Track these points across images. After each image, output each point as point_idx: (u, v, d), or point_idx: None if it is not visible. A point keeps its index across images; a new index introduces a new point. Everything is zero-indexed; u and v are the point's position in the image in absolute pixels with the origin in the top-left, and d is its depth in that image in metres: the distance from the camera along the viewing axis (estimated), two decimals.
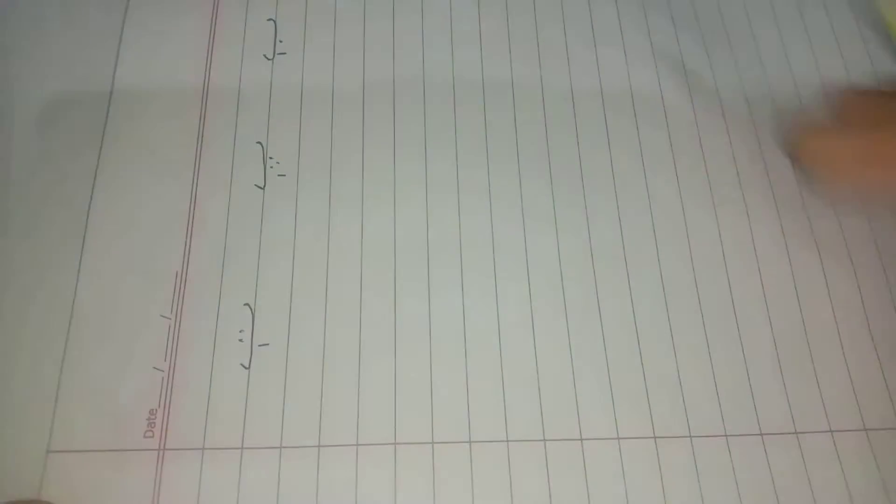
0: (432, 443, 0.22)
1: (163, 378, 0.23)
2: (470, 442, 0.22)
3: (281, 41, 0.28)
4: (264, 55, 0.27)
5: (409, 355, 0.23)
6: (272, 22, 0.28)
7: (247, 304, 0.24)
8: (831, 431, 0.23)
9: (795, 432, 0.23)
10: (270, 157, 0.26)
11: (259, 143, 0.26)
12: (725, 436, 0.23)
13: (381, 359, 0.23)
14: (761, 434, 0.23)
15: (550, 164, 0.26)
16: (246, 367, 0.23)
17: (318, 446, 0.22)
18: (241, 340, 0.23)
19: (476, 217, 0.25)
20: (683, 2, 0.30)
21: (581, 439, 0.22)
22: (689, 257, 0.25)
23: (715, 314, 0.24)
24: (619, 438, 0.23)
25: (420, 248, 0.25)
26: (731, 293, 0.25)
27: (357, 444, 0.22)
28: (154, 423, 0.22)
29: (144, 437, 0.22)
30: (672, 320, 0.24)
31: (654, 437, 0.23)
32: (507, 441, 0.22)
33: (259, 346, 0.23)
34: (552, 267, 0.25)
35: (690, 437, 0.23)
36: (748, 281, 0.25)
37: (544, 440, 0.22)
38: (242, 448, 0.22)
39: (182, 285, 0.24)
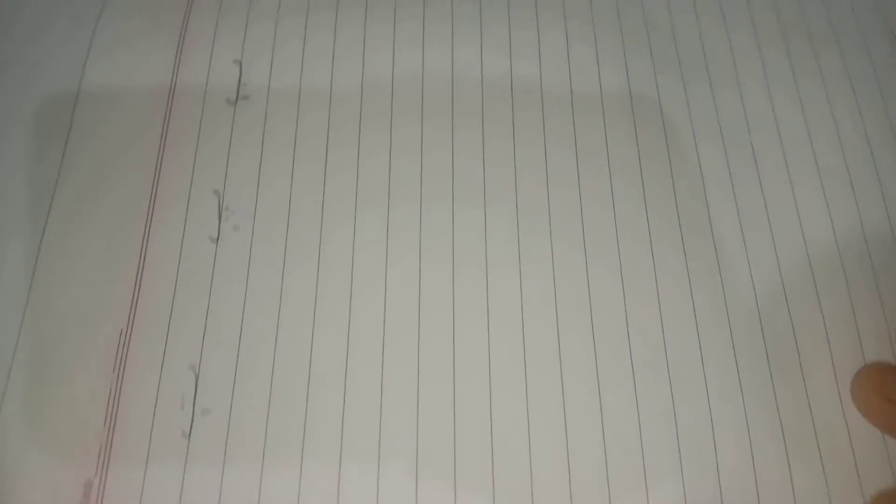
0: None
1: (100, 445, 0.21)
2: None
3: (245, 84, 0.26)
4: (227, 99, 0.26)
5: (357, 437, 0.22)
6: (237, 64, 0.27)
7: (191, 367, 0.22)
8: None
9: None
10: (226, 209, 0.24)
11: (216, 192, 0.25)
12: None
13: (326, 438, 0.22)
14: None
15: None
16: (186, 437, 0.22)
17: None
18: (182, 407, 0.22)
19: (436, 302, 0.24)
20: (664, 41, 0.28)
21: None
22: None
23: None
24: None
25: (377, 320, 0.23)
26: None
27: None
28: (90, 494, 0.21)
29: None
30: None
31: None
32: None
33: (202, 411, 0.22)
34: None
35: None
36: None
37: None
38: None
39: (125, 345, 0.22)
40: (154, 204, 0.24)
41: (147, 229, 0.24)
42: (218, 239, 0.24)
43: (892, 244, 0.25)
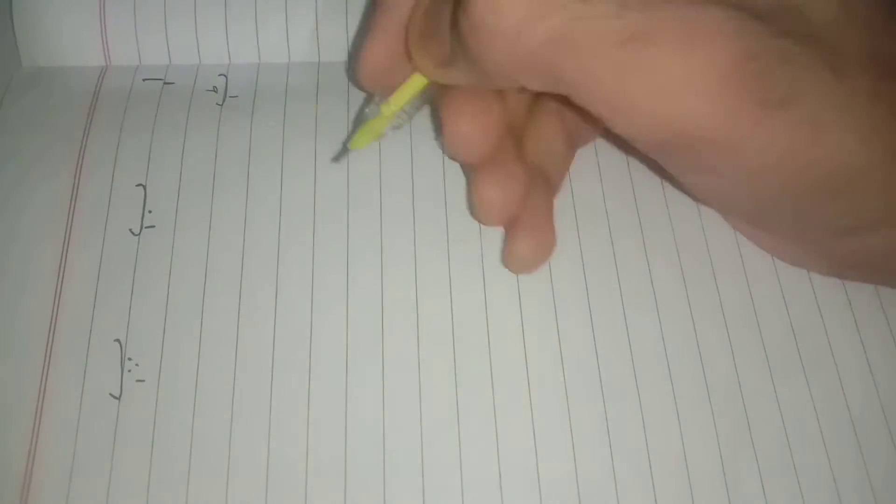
0: None
1: None
2: None
3: (150, 212, 0.25)
4: (130, 230, 0.24)
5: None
6: (141, 188, 0.25)
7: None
8: None
9: None
10: (129, 359, 0.23)
11: (117, 340, 0.23)
12: None
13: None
14: None
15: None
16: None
17: None
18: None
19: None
20: None
21: None
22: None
23: None
24: None
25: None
26: None
27: None
28: None
29: None
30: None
31: None
32: None
33: None
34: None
35: None
36: None
37: None
38: None
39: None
40: (51, 351, 0.23)
41: (44, 378, 0.22)
42: (120, 396, 0.22)
43: None
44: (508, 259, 0.24)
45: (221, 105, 0.27)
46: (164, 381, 0.22)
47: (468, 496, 0.21)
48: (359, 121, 0.25)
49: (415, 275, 0.24)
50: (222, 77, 0.28)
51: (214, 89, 0.27)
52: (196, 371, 0.22)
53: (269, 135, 0.26)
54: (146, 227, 0.24)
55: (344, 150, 0.25)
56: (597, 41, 0.18)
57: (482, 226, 0.25)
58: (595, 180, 0.26)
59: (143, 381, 0.22)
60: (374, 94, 0.24)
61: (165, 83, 0.27)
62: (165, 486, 0.21)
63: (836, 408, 0.23)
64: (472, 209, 0.24)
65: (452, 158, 0.25)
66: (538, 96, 0.24)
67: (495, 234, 0.25)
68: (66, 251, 0.24)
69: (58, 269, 0.24)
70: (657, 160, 0.22)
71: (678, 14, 0.18)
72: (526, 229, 0.23)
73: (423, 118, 0.26)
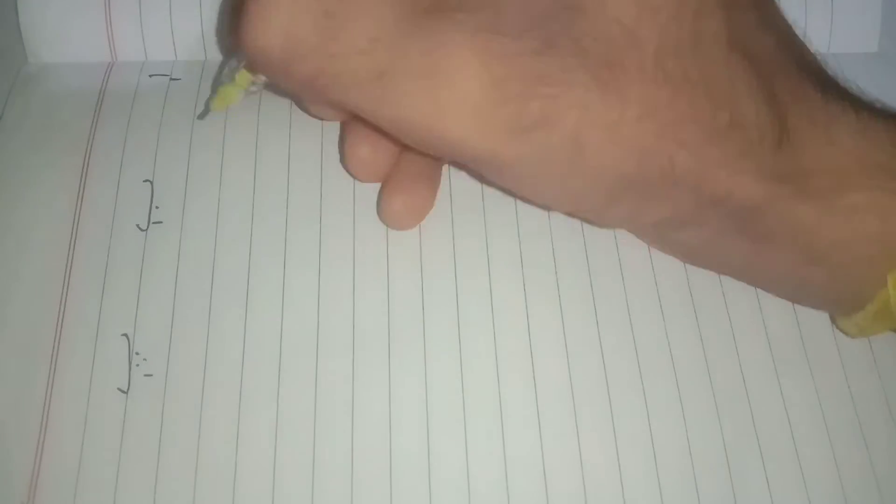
0: None
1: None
2: None
3: (157, 207, 0.25)
4: (137, 226, 0.24)
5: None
6: (149, 183, 0.25)
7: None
8: None
9: None
10: (137, 353, 0.23)
11: (125, 335, 0.23)
12: None
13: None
14: None
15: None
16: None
17: None
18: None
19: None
20: None
21: None
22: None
23: None
24: None
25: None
26: None
27: None
28: None
29: None
30: None
31: None
32: None
33: None
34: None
35: None
36: None
37: None
38: None
39: None
40: (58, 347, 0.23)
41: (51, 376, 0.22)
42: (128, 390, 0.22)
43: None
44: (381, 213, 0.24)
45: None
46: (172, 376, 0.22)
47: (474, 498, 0.21)
48: (215, 85, 0.25)
49: (421, 272, 0.24)
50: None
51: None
52: (203, 366, 0.22)
53: (275, 129, 0.26)
54: (153, 223, 0.24)
55: (206, 110, 0.26)
56: (350, 78, 0.19)
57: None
58: None
59: (151, 375, 0.22)
60: (229, 60, 0.23)
61: (172, 79, 0.27)
62: (173, 480, 0.21)
63: (841, 403, 0.23)
64: (344, 164, 0.25)
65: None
66: None
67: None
68: (74, 246, 0.24)
69: (65, 264, 0.24)
70: None
71: (422, 47, 0.18)
72: (399, 186, 0.23)
73: None
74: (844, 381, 0.23)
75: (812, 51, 0.22)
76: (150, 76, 0.27)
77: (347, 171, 0.25)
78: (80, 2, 0.27)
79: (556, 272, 0.24)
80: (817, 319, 0.24)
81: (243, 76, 0.23)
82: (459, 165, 0.25)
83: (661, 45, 0.18)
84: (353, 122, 0.23)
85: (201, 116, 0.26)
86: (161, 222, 0.24)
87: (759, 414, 0.23)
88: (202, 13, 0.28)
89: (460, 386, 0.22)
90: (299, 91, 0.22)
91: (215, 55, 0.28)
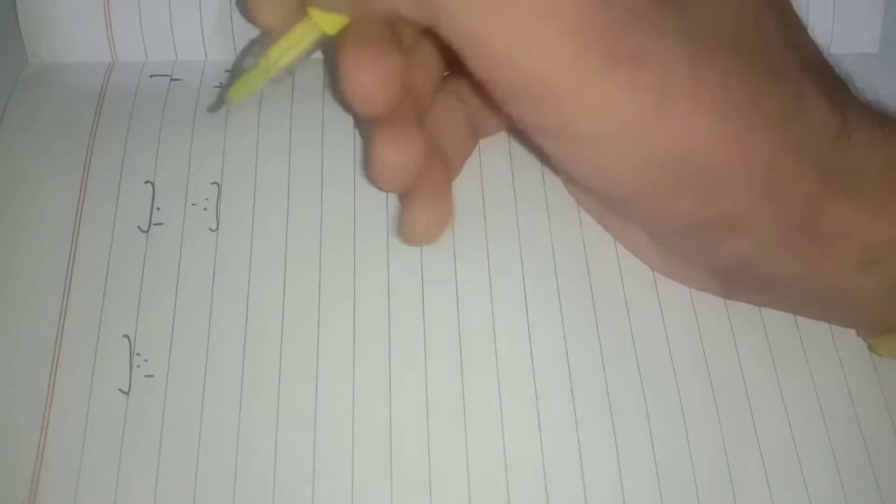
0: None
1: None
2: None
3: (158, 209, 0.25)
4: (138, 227, 0.24)
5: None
6: (150, 185, 0.25)
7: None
8: None
9: None
10: (138, 354, 0.23)
11: (126, 336, 0.23)
12: None
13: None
14: None
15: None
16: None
17: None
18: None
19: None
20: None
21: None
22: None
23: None
24: None
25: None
26: None
27: None
28: None
29: None
30: None
31: None
32: None
33: None
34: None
35: None
36: None
37: None
38: None
39: None
40: (59, 352, 0.23)
41: (52, 379, 0.22)
42: (129, 391, 0.22)
43: None
44: (404, 229, 0.23)
45: None
46: (173, 377, 0.22)
47: (475, 499, 0.21)
48: (236, 73, 0.24)
49: (421, 277, 0.24)
50: (229, 73, 0.28)
51: (221, 85, 0.27)
52: (204, 367, 0.23)
53: (275, 131, 0.26)
54: (154, 224, 0.24)
55: (220, 102, 0.25)
56: None
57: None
58: None
59: (152, 376, 0.22)
60: (252, 45, 0.22)
61: (172, 79, 0.27)
62: (174, 481, 0.21)
63: (840, 402, 0.23)
64: (369, 172, 0.24)
65: (355, 112, 0.25)
66: (445, 79, 0.24)
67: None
68: (75, 247, 0.24)
69: (66, 265, 0.24)
70: (522, 128, 0.22)
71: None
72: (422, 199, 0.23)
73: None
74: (844, 381, 0.23)
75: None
76: (151, 76, 0.27)
77: (370, 178, 0.24)
78: (80, 2, 0.27)
79: (556, 276, 0.24)
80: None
81: (270, 60, 0.22)
82: (518, 131, 0.25)
83: (736, 28, 0.19)
84: (383, 126, 0.22)
85: (213, 109, 0.26)
86: (162, 223, 0.24)
87: (758, 414, 0.23)
88: (202, 13, 0.28)
89: (461, 389, 0.22)
90: None
91: (215, 55, 0.28)
